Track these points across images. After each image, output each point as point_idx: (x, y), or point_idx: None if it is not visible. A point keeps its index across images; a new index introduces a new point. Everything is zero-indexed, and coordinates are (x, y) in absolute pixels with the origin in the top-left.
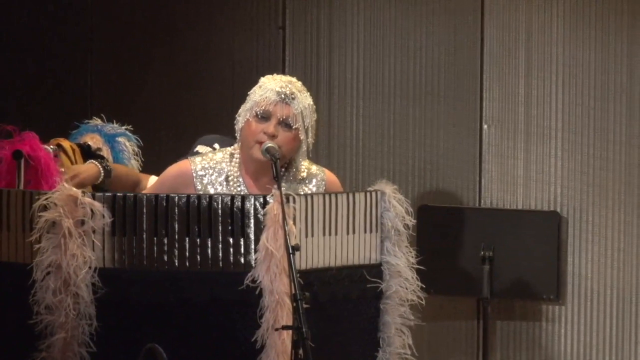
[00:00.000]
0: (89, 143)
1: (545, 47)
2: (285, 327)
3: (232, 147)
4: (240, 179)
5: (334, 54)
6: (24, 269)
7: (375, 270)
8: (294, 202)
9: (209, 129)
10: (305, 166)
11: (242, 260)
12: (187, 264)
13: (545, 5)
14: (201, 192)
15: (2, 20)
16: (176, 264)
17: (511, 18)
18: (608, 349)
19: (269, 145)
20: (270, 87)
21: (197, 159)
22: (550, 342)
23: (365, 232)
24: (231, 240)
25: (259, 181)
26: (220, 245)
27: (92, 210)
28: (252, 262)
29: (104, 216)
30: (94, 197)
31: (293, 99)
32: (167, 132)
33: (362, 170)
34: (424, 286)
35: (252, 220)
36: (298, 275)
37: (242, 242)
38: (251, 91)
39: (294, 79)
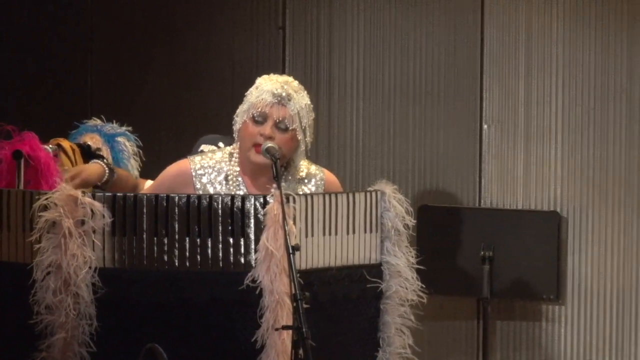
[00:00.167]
0: (89, 143)
1: (545, 47)
2: (285, 327)
3: (231, 146)
4: (240, 178)
5: (334, 54)
6: (24, 269)
7: (375, 270)
8: (294, 202)
9: (209, 129)
10: (305, 166)
11: (242, 260)
12: (187, 264)
13: (545, 5)
14: (200, 191)
15: (2, 20)
16: (176, 264)
17: (511, 18)
18: (608, 349)
19: (269, 145)
20: (266, 88)
21: (197, 158)
22: (550, 342)
23: (365, 232)
24: (231, 240)
25: (258, 180)
26: (221, 245)
27: (92, 210)
28: (252, 262)
29: (104, 216)
30: (94, 197)
31: (289, 100)
32: (167, 132)
33: (362, 170)
34: (424, 286)
35: (252, 220)
36: (298, 275)
37: (242, 242)
38: (248, 92)
39: (290, 79)
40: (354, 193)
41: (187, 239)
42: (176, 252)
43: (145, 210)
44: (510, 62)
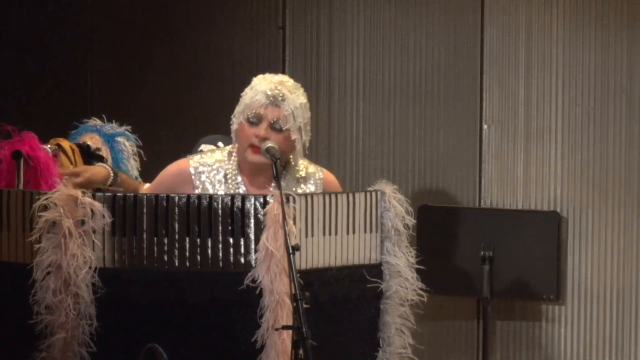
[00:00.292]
0: (89, 143)
1: (545, 47)
2: (285, 327)
3: (230, 145)
4: (238, 177)
5: (334, 54)
6: (24, 269)
7: (375, 270)
8: (294, 202)
9: (208, 129)
10: (304, 165)
11: (242, 260)
12: (187, 264)
13: (545, 5)
14: (199, 190)
15: (2, 20)
16: (176, 264)
17: (511, 18)
18: (608, 349)
19: (269, 145)
20: (260, 89)
21: (196, 157)
22: (550, 342)
23: (365, 232)
24: (231, 240)
25: (257, 180)
26: (220, 245)
27: (92, 210)
28: (252, 262)
29: (104, 216)
30: (94, 197)
31: (283, 100)
32: (167, 132)
33: (362, 170)
34: (424, 286)
35: (252, 220)
36: (298, 275)
37: (242, 242)
38: (243, 92)
39: (285, 79)
40: (354, 193)
41: (187, 239)
42: (176, 252)
43: (145, 210)
44: (510, 62)
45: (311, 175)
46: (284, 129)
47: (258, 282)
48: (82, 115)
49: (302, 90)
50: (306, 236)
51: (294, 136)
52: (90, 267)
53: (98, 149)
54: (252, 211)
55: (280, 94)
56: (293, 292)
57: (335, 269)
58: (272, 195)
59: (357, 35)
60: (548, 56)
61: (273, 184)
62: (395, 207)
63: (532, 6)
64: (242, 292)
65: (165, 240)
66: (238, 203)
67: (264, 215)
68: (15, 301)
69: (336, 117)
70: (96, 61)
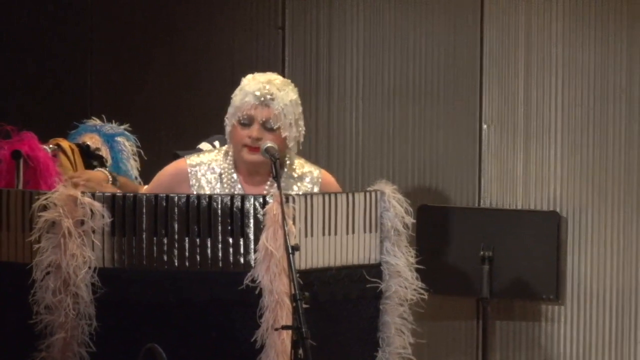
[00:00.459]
0: (88, 143)
1: (544, 47)
2: (284, 327)
3: (227, 145)
4: (234, 176)
5: (333, 54)
6: (24, 269)
7: (375, 270)
8: (294, 202)
9: (208, 129)
10: (301, 164)
11: (242, 260)
12: (187, 264)
13: (545, 5)
14: (195, 188)
15: (2, 20)
16: (176, 264)
17: (511, 18)
18: (607, 349)
19: (269, 145)
20: (249, 90)
21: (193, 157)
22: (550, 342)
23: (364, 232)
24: (231, 240)
25: (253, 178)
26: (220, 245)
27: (91, 210)
28: (252, 262)
29: (103, 216)
30: (93, 197)
31: (272, 99)
32: (167, 132)
33: (362, 170)
34: (424, 286)
35: (251, 220)
36: (298, 275)
37: (241, 242)
38: (233, 94)
39: (273, 77)
40: (354, 193)
41: (187, 239)
42: (176, 252)
43: (144, 210)
44: (509, 62)
45: (307, 174)
46: (275, 127)
47: (257, 282)
48: (81, 115)
49: (291, 86)
50: (306, 236)
51: (285, 133)
52: (89, 267)
53: (98, 149)
54: (252, 211)
55: (269, 94)
56: (293, 292)
57: (334, 269)
58: (272, 195)
59: (356, 35)
60: (547, 56)
61: (269, 182)
62: (395, 207)
63: (532, 6)
64: (242, 292)
65: (165, 240)
66: (237, 203)
67: (264, 215)
68: (14, 301)
69: (336, 117)
70: (96, 61)
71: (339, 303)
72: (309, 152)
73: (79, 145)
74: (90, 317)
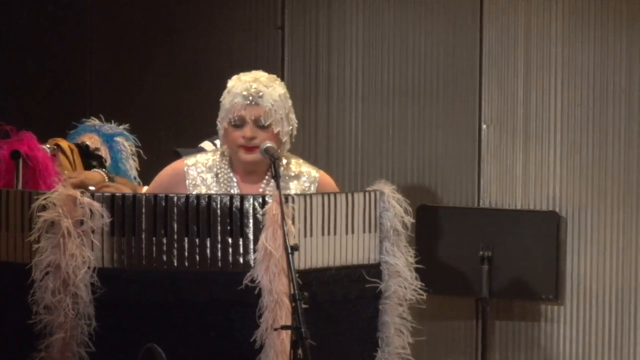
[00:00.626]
0: (87, 143)
1: (544, 47)
2: (284, 327)
3: (224, 146)
4: (230, 175)
5: (332, 54)
6: (23, 269)
7: (374, 270)
8: (293, 202)
9: (208, 129)
10: (298, 164)
11: (241, 260)
12: (186, 263)
13: (544, 5)
14: (191, 187)
15: (2, 20)
16: (175, 264)
17: (510, 18)
18: (607, 349)
19: (268, 145)
20: (236, 91)
21: (191, 157)
22: (549, 342)
23: (364, 232)
24: (230, 240)
25: (249, 178)
26: (219, 245)
27: (91, 210)
28: (251, 262)
29: (103, 216)
30: (93, 197)
31: (260, 97)
32: (167, 132)
33: (361, 170)
34: (423, 286)
35: (251, 220)
36: (297, 275)
37: (241, 242)
38: (222, 97)
39: (258, 74)
40: (353, 193)
41: (186, 239)
42: (175, 252)
43: (144, 210)
44: (509, 62)
45: (304, 173)
46: (267, 124)
47: (257, 282)
48: (81, 115)
49: (278, 81)
50: (305, 236)
51: (277, 129)
52: (89, 267)
53: (97, 149)
54: (251, 211)
55: (257, 92)
56: (292, 292)
57: (334, 269)
58: (271, 195)
59: (356, 35)
60: (547, 56)
61: (265, 180)
62: (394, 207)
63: (531, 6)
64: (241, 292)
65: (164, 240)
66: (237, 203)
67: (263, 215)
68: (14, 301)
69: (335, 117)
70: (96, 61)
71: (338, 303)
72: (309, 152)
73: (78, 145)
74: (90, 317)
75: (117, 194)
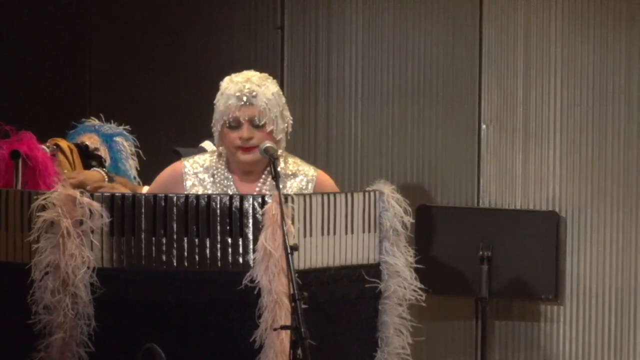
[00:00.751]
0: (87, 143)
1: (543, 47)
2: (283, 327)
3: (221, 147)
4: (227, 175)
5: (332, 54)
6: (23, 269)
7: (374, 270)
8: (293, 202)
9: (208, 129)
10: (297, 163)
11: (241, 260)
12: (186, 263)
13: (544, 5)
14: (189, 187)
15: (2, 20)
16: (174, 263)
17: (510, 18)
18: (606, 349)
19: (267, 145)
20: (230, 93)
21: (189, 158)
22: (549, 342)
23: (363, 232)
24: (229, 240)
25: (246, 177)
26: (219, 245)
27: (90, 210)
28: (251, 262)
29: (102, 216)
30: (92, 197)
31: (254, 97)
32: (167, 132)
33: (361, 170)
34: (422, 286)
35: (250, 220)
36: (296, 275)
37: (240, 242)
38: (216, 99)
39: (250, 74)
40: (353, 193)
41: (186, 239)
42: (174, 252)
43: (143, 210)
44: (508, 62)
45: (301, 172)
46: (262, 124)
47: (256, 282)
48: (81, 115)
49: (270, 79)
50: (304, 236)
51: (270, 127)
52: (88, 267)
53: (96, 149)
54: (251, 211)
55: (250, 92)
56: (291, 292)
57: (333, 269)
58: (271, 195)
59: (355, 35)
60: (547, 56)
61: (262, 179)
62: (394, 207)
63: (531, 6)
64: (241, 292)
65: (164, 240)
66: (236, 203)
67: (263, 215)
68: (13, 301)
69: (334, 117)
70: (96, 61)
71: (337, 303)
72: (308, 152)
73: (77, 145)
74: (89, 317)
75: (117, 194)
